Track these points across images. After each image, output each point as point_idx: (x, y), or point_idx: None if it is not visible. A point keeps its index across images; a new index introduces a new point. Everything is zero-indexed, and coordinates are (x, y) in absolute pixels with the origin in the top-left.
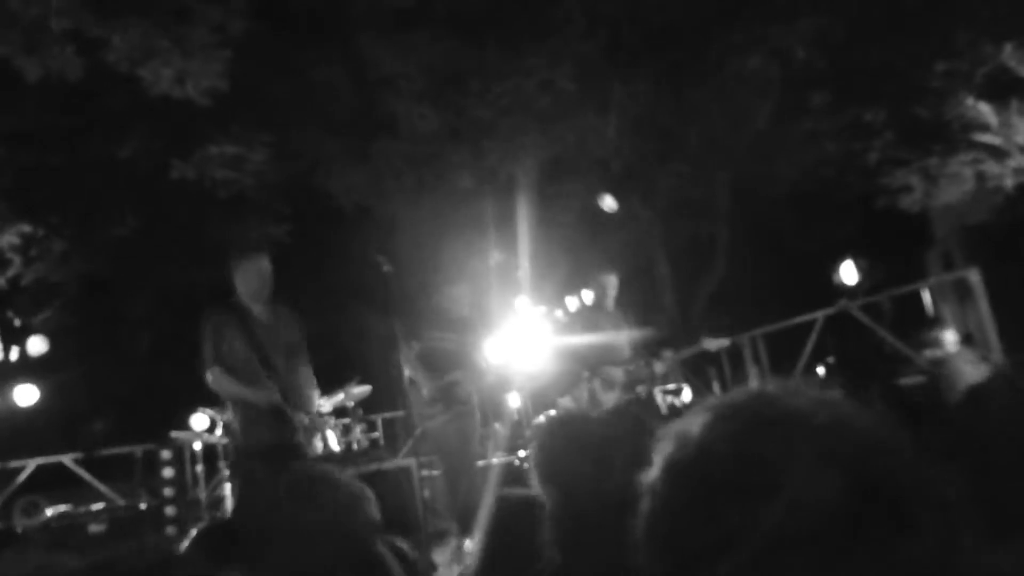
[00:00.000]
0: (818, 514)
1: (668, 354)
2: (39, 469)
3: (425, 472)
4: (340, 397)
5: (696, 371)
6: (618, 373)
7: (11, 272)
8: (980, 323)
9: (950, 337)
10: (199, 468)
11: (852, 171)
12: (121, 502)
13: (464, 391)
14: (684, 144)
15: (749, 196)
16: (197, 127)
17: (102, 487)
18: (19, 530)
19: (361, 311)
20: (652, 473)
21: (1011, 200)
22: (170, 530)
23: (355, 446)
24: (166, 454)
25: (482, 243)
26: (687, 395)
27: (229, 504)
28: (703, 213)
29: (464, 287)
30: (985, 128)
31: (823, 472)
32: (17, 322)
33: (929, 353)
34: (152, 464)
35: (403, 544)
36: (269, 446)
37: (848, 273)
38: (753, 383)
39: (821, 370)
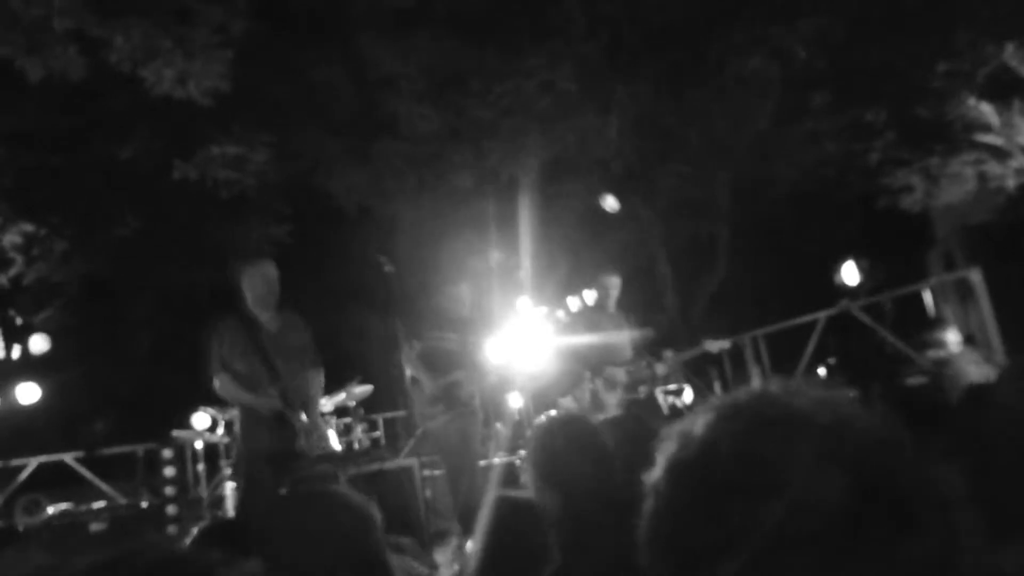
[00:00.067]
0: (820, 514)
1: (669, 355)
2: (40, 467)
3: (427, 472)
4: (341, 397)
5: (697, 371)
6: (620, 373)
7: (13, 271)
8: (982, 323)
9: (952, 337)
10: (200, 467)
11: (853, 171)
12: (122, 501)
13: (466, 391)
14: (685, 144)
15: (750, 196)
16: (198, 127)
17: (103, 486)
18: (20, 528)
19: (362, 311)
20: (655, 473)
21: (1013, 200)
22: (171, 529)
23: (356, 446)
24: (167, 453)
25: (483, 243)
26: (688, 396)
27: (230, 503)
28: (704, 213)
29: (465, 287)
30: (987, 128)
31: (825, 472)
32: (19, 321)
33: (932, 353)
34: (153, 463)
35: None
36: (271, 450)
37: (849, 273)
38: (755, 383)
39: (822, 371)
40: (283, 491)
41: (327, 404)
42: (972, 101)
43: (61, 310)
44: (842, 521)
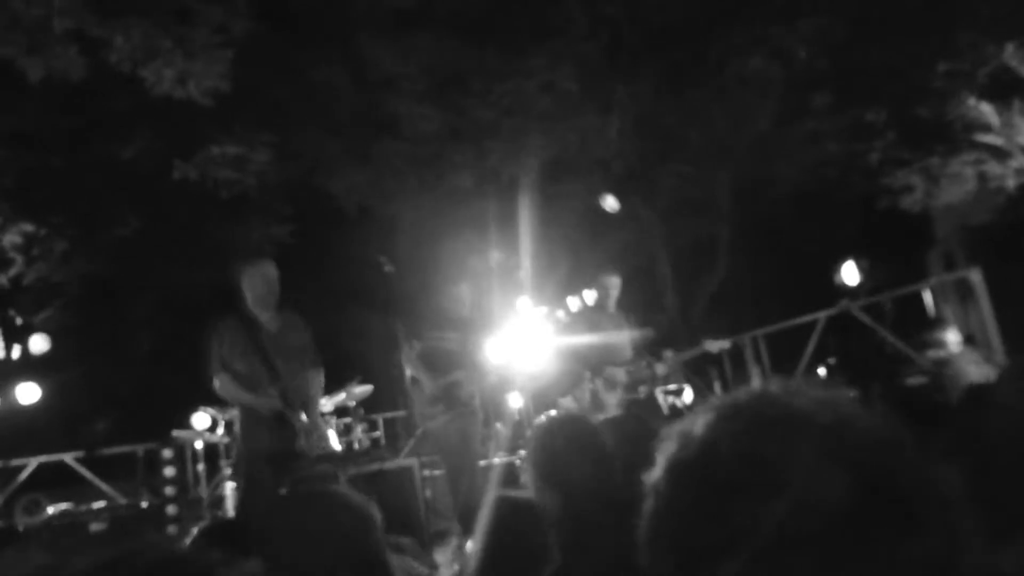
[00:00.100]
0: (820, 514)
1: (669, 355)
2: (41, 467)
3: (427, 472)
4: (341, 397)
5: (697, 371)
6: (620, 373)
7: (13, 271)
8: (982, 323)
9: (953, 337)
10: (200, 467)
11: (854, 171)
12: (122, 501)
13: (466, 391)
14: (685, 144)
15: (750, 196)
16: (199, 127)
17: (103, 486)
18: (20, 528)
19: (362, 311)
20: (655, 473)
21: (1013, 200)
22: (171, 529)
23: (356, 446)
24: (167, 453)
25: (483, 243)
26: (688, 396)
27: (230, 503)
28: (704, 213)
29: (465, 286)
30: (987, 128)
31: (825, 472)
32: (19, 321)
33: (932, 353)
34: (153, 463)
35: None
36: (270, 450)
37: (849, 274)
38: (755, 383)
39: (823, 371)
40: (283, 491)
41: (327, 404)
42: (972, 101)
43: (61, 310)
44: (842, 521)
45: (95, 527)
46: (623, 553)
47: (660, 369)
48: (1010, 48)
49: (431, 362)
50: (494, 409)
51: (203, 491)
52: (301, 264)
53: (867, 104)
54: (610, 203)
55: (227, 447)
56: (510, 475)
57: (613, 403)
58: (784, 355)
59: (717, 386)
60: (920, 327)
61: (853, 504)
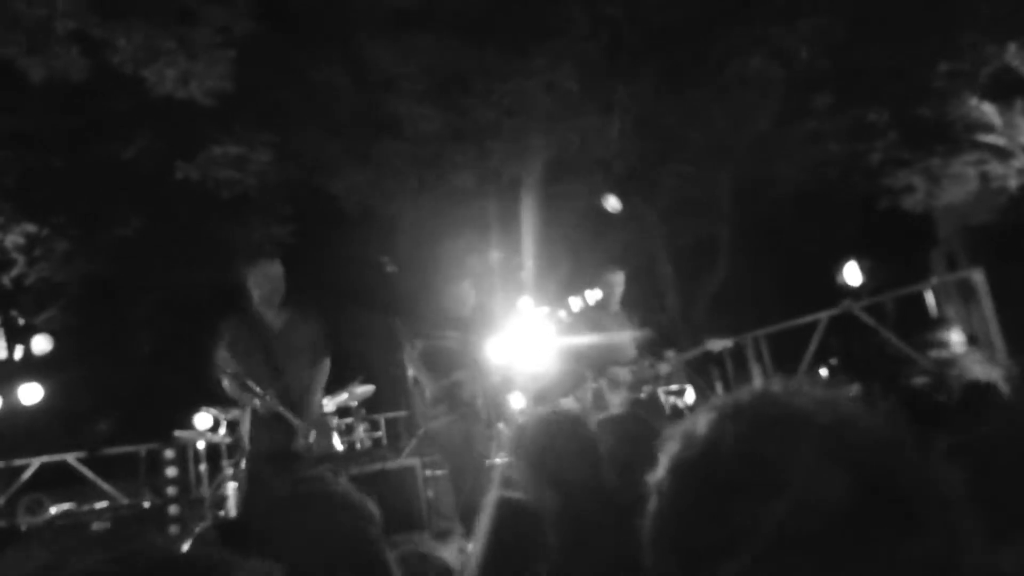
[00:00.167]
0: (822, 513)
1: (671, 355)
2: (43, 467)
3: (429, 472)
4: (343, 397)
5: (699, 372)
6: (624, 373)
7: (15, 272)
8: (984, 324)
9: (956, 338)
10: (202, 467)
11: (855, 171)
12: (125, 501)
13: (468, 391)
14: (686, 144)
15: (752, 196)
16: (200, 128)
17: (106, 486)
18: (23, 528)
19: (363, 311)
20: (658, 473)
21: (1015, 200)
22: (173, 529)
23: (358, 446)
24: (169, 453)
25: (483, 243)
26: (690, 396)
27: (232, 503)
28: (705, 213)
29: (468, 285)
30: (989, 128)
31: (827, 472)
32: (21, 321)
33: (935, 354)
34: (156, 463)
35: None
36: (271, 450)
37: (851, 274)
38: (757, 383)
39: (824, 371)
40: (281, 490)
41: (329, 404)
42: (974, 101)
43: (63, 310)
44: (843, 521)
45: (97, 527)
46: (622, 552)
47: (663, 369)
48: (1012, 48)
49: (433, 362)
50: (496, 409)
51: (205, 491)
52: (302, 264)
53: (868, 104)
54: (612, 203)
55: (229, 447)
56: (512, 476)
57: (617, 403)
58: (786, 355)
59: (719, 386)
60: (922, 327)
61: (853, 504)
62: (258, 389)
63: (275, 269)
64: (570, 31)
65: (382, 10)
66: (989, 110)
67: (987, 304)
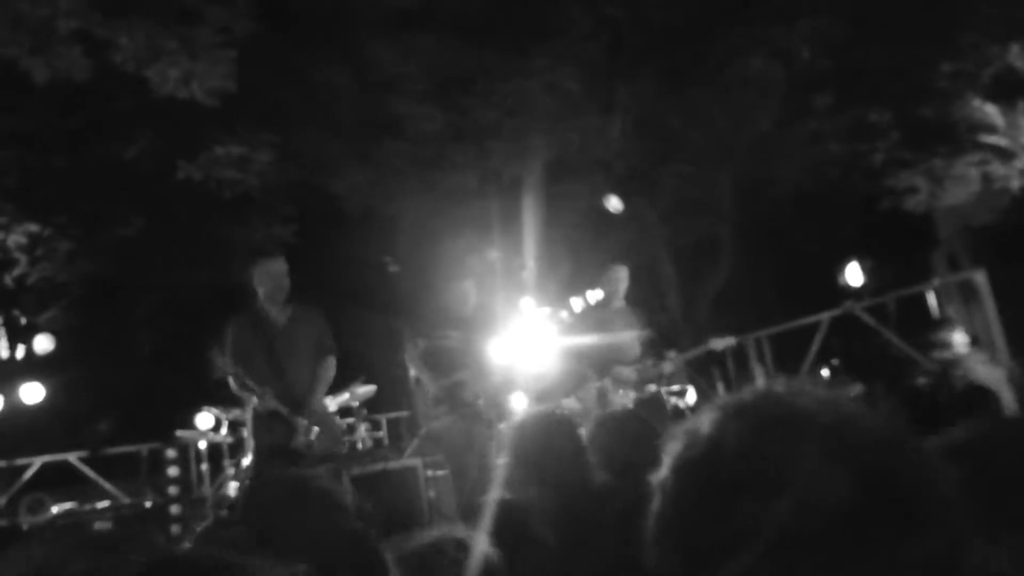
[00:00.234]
0: (823, 513)
1: (673, 354)
2: (45, 467)
3: (430, 472)
4: (345, 397)
5: (700, 372)
6: (628, 372)
7: (17, 271)
8: (986, 325)
9: (959, 338)
10: (204, 467)
11: (857, 172)
12: (126, 500)
13: (470, 392)
14: (687, 144)
15: (753, 197)
16: (202, 128)
17: (107, 485)
18: (24, 527)
19: (365, 311)
20: (662, 472)
21: (1017, 201)
22: (175, 528)
23: (360, 446)
24: (171, 453)
25: (484, 243)
26: (692, 396)
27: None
28: (707, 213)
29: (469, 284)
30: (991, 129)
31: (829, 471)
32: (23, 321)
33: (938, 355)
34: (157, 463)
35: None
36: (271, 448)
37: (853, 274)
38: (759, 384)
39: (826, 372)
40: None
41: (331, 404)
42: (977, 102)
43: (65, 310)
44: (845, 520)
45: (99, 526)
46: (620, 552)
47: (667, 367)
48: (1015, 49)
49: (435, 362)
50: (498, 410)
51: (207, 491)
52: (302, 264)
53: (869, 104)
54: (613, 204)
55: (231, 447)
56: (509, 475)
57: (622, 402)
58: (787, 356)
59: (720, 387)
60: (924, 328)
61: (854, 504)
62: (256, 387)
63: (279, 267)
64: (570, 31)
65: (382, 10)
66: (992, 111)
67: (989, 305)
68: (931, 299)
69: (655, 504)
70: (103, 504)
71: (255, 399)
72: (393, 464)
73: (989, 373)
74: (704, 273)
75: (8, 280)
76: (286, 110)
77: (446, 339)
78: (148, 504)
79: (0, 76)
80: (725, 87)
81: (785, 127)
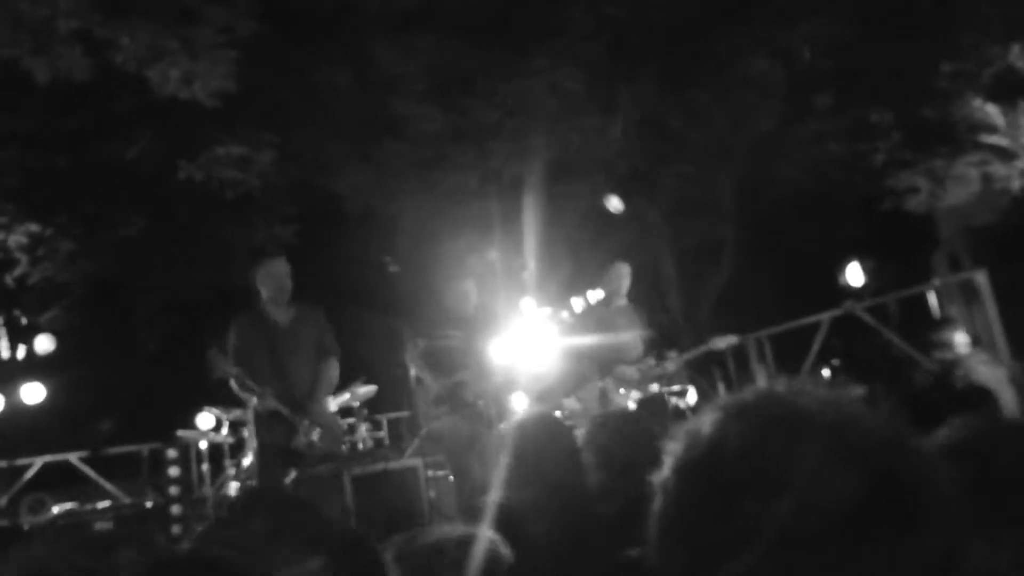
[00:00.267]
0: (823, 513)
1: (674, 354)
2: (46, 467)
3: (431, 472)
4: (346, 397)
5: (701, 372)
6: (631, 372)
7: (18, 271)
8: (987, 325)
9: (960, 339)
10: (205, 467)
11: (858, 172)
12: (127, 500)
13: (470, 392)
14: (688, 144)
15: (754, 197)
16: (203, 128)
17: (108, 485)
18: (25, 527)
19: (364, 311)
20: (663, 472)
21: (1017, 202)
22: (176, 529)
23: (360, 446)
24: (172, 453)
25: (485, 243)
26: (692, 397)
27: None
28: (708, 214)
29: (470, 284)
30: (992, 129)
31: (830, 471)
32: (24, 321)
33: (939, 355)
34: (158, 463)
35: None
36: (271, 446)
37: (854, 274)
38: (760, 384)
39: (827, 372)
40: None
41: (332, 404)
42: (977, 102)
43: (66, 310)
44: (846, 520)
45: (100, 526)
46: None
47: (670, 367)
48: (1015, 49)
49: (436, 362)
50: (498, 410)
51: (207, 491)
52: (302, 264)
53: (870, 105)
54: (614, 204)
55: (231, 447)
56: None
57: (624, 402)
58: (788, 356)
59: (721, 387)
60: (925, 329)
61: (855, 503)
62: (256, 387)
63: (282, 267)
64: (571, 31)
65: (383, 10)
66: (992, 111)
67: (990, 305)
68: (932, 299)
69: (656, 504)
70: (104, 504)
71: (255, 399)
72: (394, 464)
73: (990, 373)
74: (705, 273)
75: (9, 280)
76: (287, 110)
77: (447, 339)
78: (149, 504)
79: (1, 76)
80: (725, 87)
81: (786, 127)
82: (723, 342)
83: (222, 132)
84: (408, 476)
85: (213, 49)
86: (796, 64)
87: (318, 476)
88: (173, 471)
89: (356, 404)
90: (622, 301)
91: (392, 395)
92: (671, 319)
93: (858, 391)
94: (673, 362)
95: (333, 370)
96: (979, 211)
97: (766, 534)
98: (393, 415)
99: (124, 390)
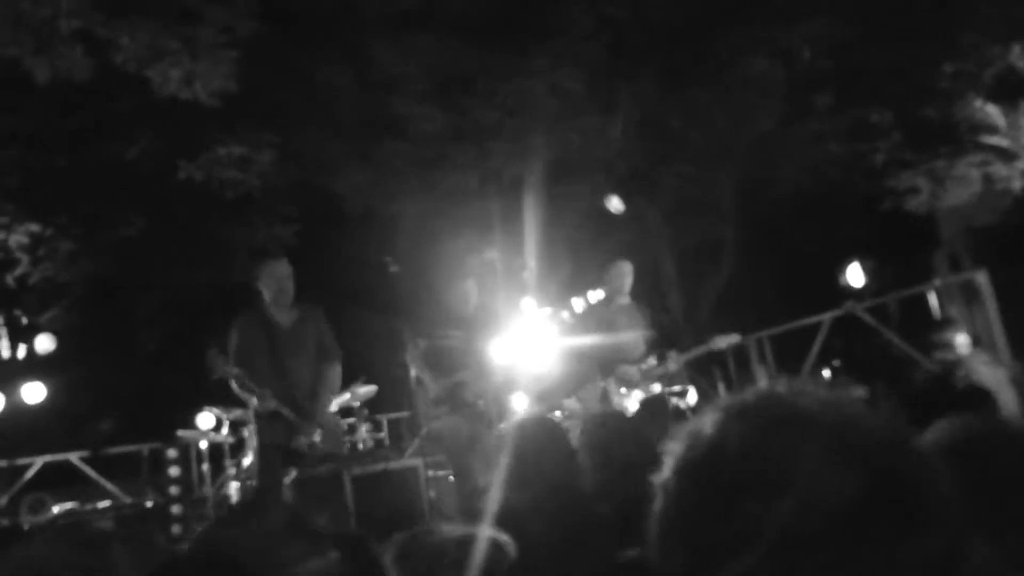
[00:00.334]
0: (824, 513)
1: (674, 354)
2: (46, 467)
3: (432, 472)
4: (346, 397)
5: (702, 373)
6: (633, 371)
7: (19, 271)
8: (987, 325)
9: (960, 339)
10: (205, 467)
11: (858, 172)
12: (127, 500)
13: (471, 392)
14: (688, 144)
15: (754, 197)
16: (203, 128)
17: (108, 485)
18: (25, 527)
19: (364, 311)
20: (664, 472)
21: (1018, 202)
22: (176, 528)
23: (360, 446)
24: (172, 452)
25: (485, 243)
26: (692, 397)
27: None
28: (708, 214)
29: (470, 283)
30: (993, 130)
31: (830, 471)
32: (25, 320)
33: (939, 355)
34: (158, 462)
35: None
36: (271, 446)
37: (854, 275)
38: (761, 384)
39: (827, 372)
40: (284, 489)
41: (332, 404)
42: (978, 102)
43: (67, 310)
44: (846, 520)
45: (100, 526)
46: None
47: (671, 366)
48: (1016, 49)
49: (436, 362)
50: (499, 410)
51: (208, 491)
52: (302, 264)
53: (870, 105)
54: (615, 204)
55: (232, 447)
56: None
57: (625, 402)
58: (789, 357)
59: (721, 388)
60: (925, 329)
61: (855, 504)
62: (256, 388)
63: (284, 269)
64: (571, 31)
65: (383, 10)
66: (993, 111)
67: (991, 306)
68: (932, 300)
69: (657, 504)
70: (104, 504)
71: (255, 399)
72: (394, 464)
73: (991, 374)
74: (705, 273)
75: (10, 280)
76: (287, 110)
77: (447, 339)
78: (149, 504)
79: (1, 76)
80: (725, 87)
81: (786, 127)
82: (725, 341)
83: (222, 132)
84: (408, 476)
85: (214, 49)
86: (796, 64)
87: (318, 476)
88: (173, 471)
89: (356, 404)
90: (624, 299)
91: (392, 395)
92: (671, 319)
93: (859, 391)
94: (674, 362)
95: (336, 373)
96: (980, 211)
97: (767, 534)
98: (393, 415)
99: (124, 390)
